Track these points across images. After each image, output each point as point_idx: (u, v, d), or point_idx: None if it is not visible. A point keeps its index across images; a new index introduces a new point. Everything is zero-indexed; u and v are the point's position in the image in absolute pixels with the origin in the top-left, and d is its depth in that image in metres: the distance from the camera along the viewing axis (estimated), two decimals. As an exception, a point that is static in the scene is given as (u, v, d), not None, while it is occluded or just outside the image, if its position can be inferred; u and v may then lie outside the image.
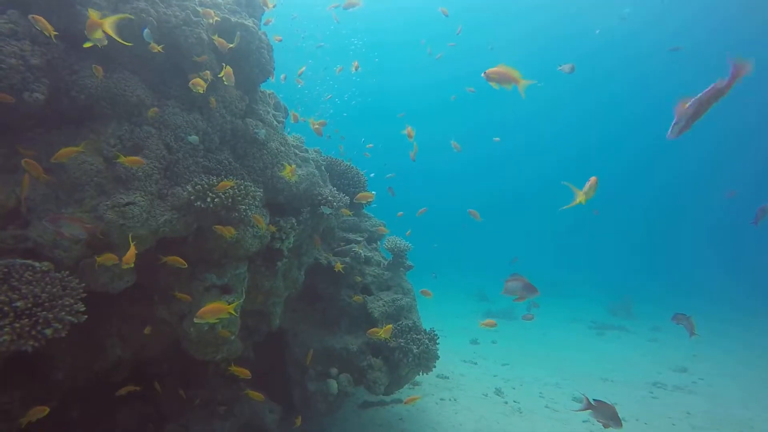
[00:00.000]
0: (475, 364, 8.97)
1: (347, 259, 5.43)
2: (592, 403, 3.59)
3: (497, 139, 14.92)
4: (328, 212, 4.10)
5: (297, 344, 5.11)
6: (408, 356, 4.76)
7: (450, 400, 6.41)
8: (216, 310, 3.15)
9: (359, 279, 5.31)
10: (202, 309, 3.08)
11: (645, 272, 35.00)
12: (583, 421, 6.20)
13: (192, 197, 3.25)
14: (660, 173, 45.93)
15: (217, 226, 3.32)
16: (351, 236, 5.78)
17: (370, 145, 9.86)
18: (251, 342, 4.57)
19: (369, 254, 5.66)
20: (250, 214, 3.53)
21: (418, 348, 4.80)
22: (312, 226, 4.31)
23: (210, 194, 3.26)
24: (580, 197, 3.08)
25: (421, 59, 32.68)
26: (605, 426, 3.55)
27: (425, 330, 5.11)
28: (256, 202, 3.57)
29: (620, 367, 9.59)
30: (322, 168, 4.79)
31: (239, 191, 3.40)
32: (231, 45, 3.55)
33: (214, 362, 4.56)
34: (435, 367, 4.97)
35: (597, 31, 26.56)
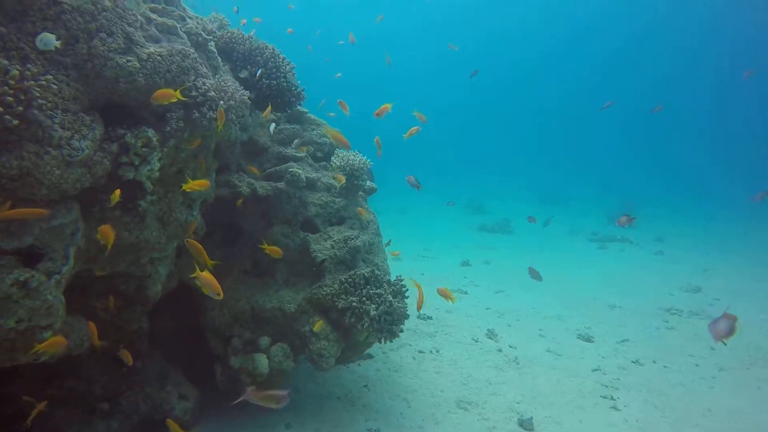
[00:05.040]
0: (466, 293, 7.80)
1: (281, 184, 3.88)
2: None
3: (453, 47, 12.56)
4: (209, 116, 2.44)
5: (215, 305, 3.73)
6: (363, 320, 3.40)
7: (431, 352, 5.22)
8: None
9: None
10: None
11: (646, 175, 33.83)
12: (593, 370, 5.08)
13: None
14: (660, 63, 42.73)
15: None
16: (288, 152, 4.17)
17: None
18: (135, 312, 3.16)
19: (313, 175, 4.10)
20: (40, 118, 1.92)
21: (377, 308, 3.42)
22: (188, 140, 2.68)
23: None
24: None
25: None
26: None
27: (389, 280, 3.71)
28: (53, 96, 1.94)
29: (628, 289, 8.50)
30: (209, 46, 3.05)
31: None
32: None
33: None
34: (402, 331, 3.64)
35: None
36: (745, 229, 15.10)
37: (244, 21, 3.88)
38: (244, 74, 3.68)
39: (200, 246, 2.68)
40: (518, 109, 50.30)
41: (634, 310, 7.36)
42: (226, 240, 4.11)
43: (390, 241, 8.60)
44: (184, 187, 2.69)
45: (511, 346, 5.58)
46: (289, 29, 8.28)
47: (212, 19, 4.52)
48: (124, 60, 2.22)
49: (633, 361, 5.41)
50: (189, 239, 2.70)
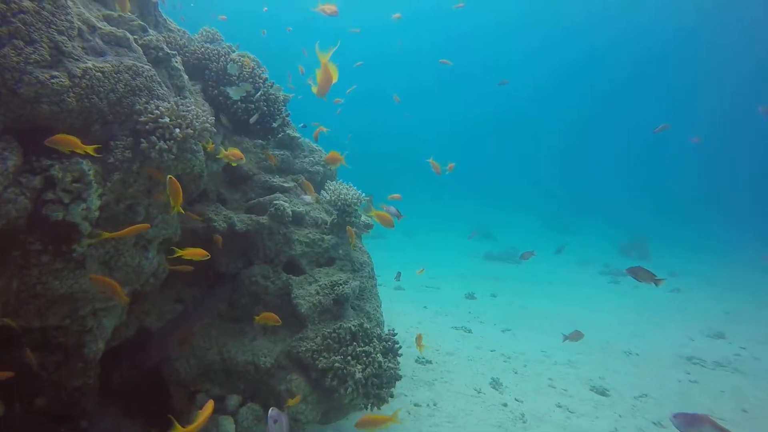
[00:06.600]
0: (470, 332, 7.25)
1: (263, 219, 3.43)
2: None
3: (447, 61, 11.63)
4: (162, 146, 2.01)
5: (180, 355, 3.26)
6: (346, 384, 2.90)
7: (429, 405, 4.67)
8: None
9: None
10: None
11: (659, 206, 33.16)
12: (610, 433, 4.51)
13: None
14: (671, 93, 41.95)
15: None
16: (275, 181, 3.74)
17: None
18: (76, 367, 2.70)
19: (301, 209, 3.65)
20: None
21: (363, 370, 2.93)
22: (139, 171, 2.23)
23: None
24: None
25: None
26: None
27: (380, 335, 3.22)
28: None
29: (644, 332, 7.90)
30: (173, 62, 2.61)
31: None
32: None
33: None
34: (393, 396, 3.13)
35: None
36: (762, 268, 14.41)
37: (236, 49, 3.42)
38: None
39: (109, 281, 2.19)
40: (530, 137, 49.94)
41: (652, 357, 6.77)
42: (203, 278, 3.66)
43: (399, 273, 8.13)
44: (177, 254, 2.34)
45: (517, 400, 5.02)
46: (303, 50, 8.03)
47: (202, 34, 4.15)
48: (47, 75, 1.79)
49: (654, 423, 4.83)
50: (92, 275, 2.19)
